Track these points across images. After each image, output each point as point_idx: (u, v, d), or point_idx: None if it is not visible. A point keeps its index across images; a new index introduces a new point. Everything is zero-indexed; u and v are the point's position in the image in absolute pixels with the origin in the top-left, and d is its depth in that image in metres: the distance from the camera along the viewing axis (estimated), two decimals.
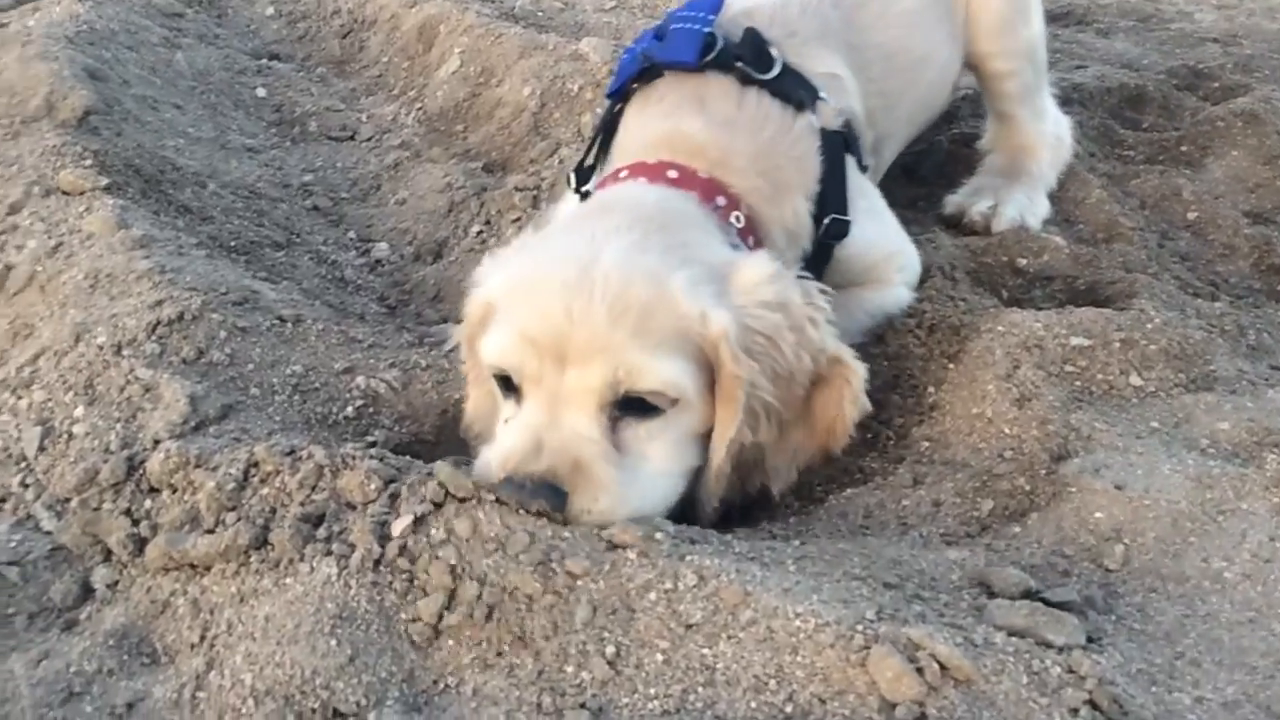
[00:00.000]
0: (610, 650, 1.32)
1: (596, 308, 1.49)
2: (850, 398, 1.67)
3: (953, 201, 2.50)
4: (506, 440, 1.56)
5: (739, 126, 1.88)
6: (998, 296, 2.19)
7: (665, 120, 1.91)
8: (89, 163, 2.32)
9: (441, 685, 1.34)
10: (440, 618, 1.37)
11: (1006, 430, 1.80)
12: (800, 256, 1.92)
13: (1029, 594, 1.44)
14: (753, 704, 1.27)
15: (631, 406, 1.55)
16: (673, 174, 1.80)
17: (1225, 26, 3.77)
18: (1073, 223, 2.52)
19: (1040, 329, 1.93)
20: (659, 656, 1.32)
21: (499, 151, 3.02)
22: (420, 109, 3.28)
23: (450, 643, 1.37)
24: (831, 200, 1.91)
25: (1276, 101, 2.86)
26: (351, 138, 3.22)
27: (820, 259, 1.93)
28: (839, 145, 1.93)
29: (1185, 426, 1.78)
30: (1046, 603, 1.42)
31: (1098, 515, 1.59)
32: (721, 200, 1.80)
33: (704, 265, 1.60)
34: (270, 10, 4.09)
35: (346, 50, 3.76)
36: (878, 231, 2.06)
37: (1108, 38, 3.69)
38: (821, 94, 1.96)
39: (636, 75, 1.99)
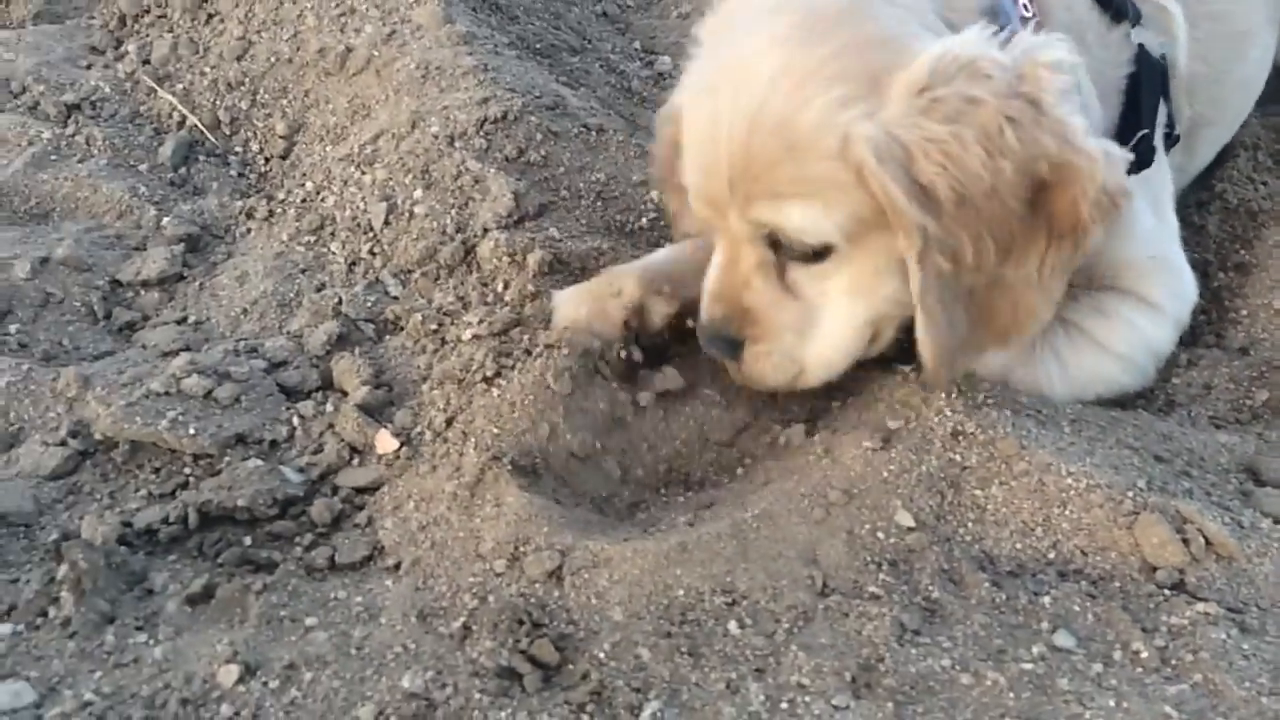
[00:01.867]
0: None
1: (721, 161, 1.40)
2: (1086, 201, 1.34)
3: None
4: (711, 272, 1.55)
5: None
6: None
7: None
8: None
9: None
10: None
11: None
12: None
13: None
14: (1018, 545, 1.39)
15: (796, 250, 1.45)
16: None
17: None
18: None
19: None
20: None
21: None
22: None
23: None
24: (1145, 115, 1.65)
25: None
26: None
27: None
28: (1158, 72, 1.67)
29: None
30: None
31: None
32: None
33: (863, 72, 1.35)
34: None
35: None
36: (1155, 226, 1.69)
37: None
38: (1142, 22, 1.71)
39: None
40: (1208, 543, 1.35)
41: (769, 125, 1.35)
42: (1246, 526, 1.39)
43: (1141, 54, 1.68)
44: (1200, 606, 1.28)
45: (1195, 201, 2.03)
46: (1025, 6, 1.53)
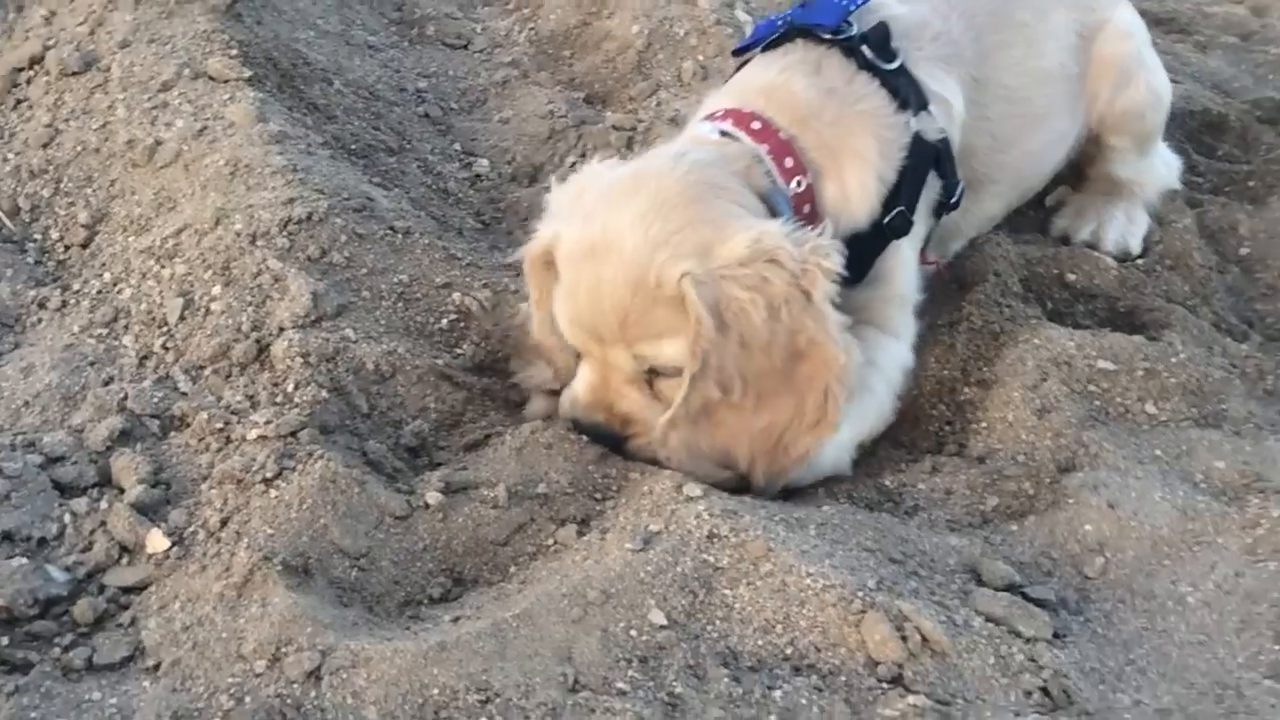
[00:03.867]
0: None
1: (609, 315, 1.78)
2: (824, 377, 1.76)
3: (1059, 226, 2.63)
4: (578, 388, 1.91)
5: (838, 95, 2.03)
6: (1042, 307, 2.36)
7: (780, 74, 2.06)
8: (234, 52, 2.53)
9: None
10: None
11: (1024, 436, 2.00)
12: (853, 230, 2.00)
13: (1012, 587, 1.67)
14: (759, 642, 1.51)
15: (666, 370, 1.84)
16: (756, 125, 1.96)
17: None
18: None
19: (1072, 348, 2.11)
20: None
21: (602, 84, 3.19)
22: (533, 28, 3.44)
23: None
24: (904, 197, 2.02)
25: None
26: (465, 47, 3.39)
27: (874, 249, 2.04)
28: (929, 155, 2.05)
29: (1185, 459, 1.97)
30: (1025, 597, 1.65)
31: (1087, 527, 1.80)
32: (789, 161, 1.95)
33: (696, 241, 1.76)
34: None
35: None
36: (910, 275, 2.12)
37: (1204, 53, 3.74)
38: (929, 108, 2.07)
39: (769, 39, 2.14)
40: (924, 639, 1.50)
41: (640, 284, 1.75)
42: (960, 624, 1.55)
43: (915, 141, 2.03)
44: (911, 699, 1.42)
45: (947, 322, 2.24)
46: (799, 182, 1.95)
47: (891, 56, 2.06)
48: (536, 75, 3.21)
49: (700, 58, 3.16)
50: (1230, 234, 2.73)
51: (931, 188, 2.09)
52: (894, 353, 2.06)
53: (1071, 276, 2.47)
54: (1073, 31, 2.43)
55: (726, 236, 1.76)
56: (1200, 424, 2.07)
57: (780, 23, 2.13)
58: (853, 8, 2.09)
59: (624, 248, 1.77)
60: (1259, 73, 3.64)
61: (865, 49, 2.04)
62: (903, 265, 2.10)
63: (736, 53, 2.25)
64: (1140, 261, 2.55)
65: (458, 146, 2.93)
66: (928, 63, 2.13)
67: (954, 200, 2.15)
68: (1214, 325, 2.39)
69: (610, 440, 1.88)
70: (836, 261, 1.80)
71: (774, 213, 1.89)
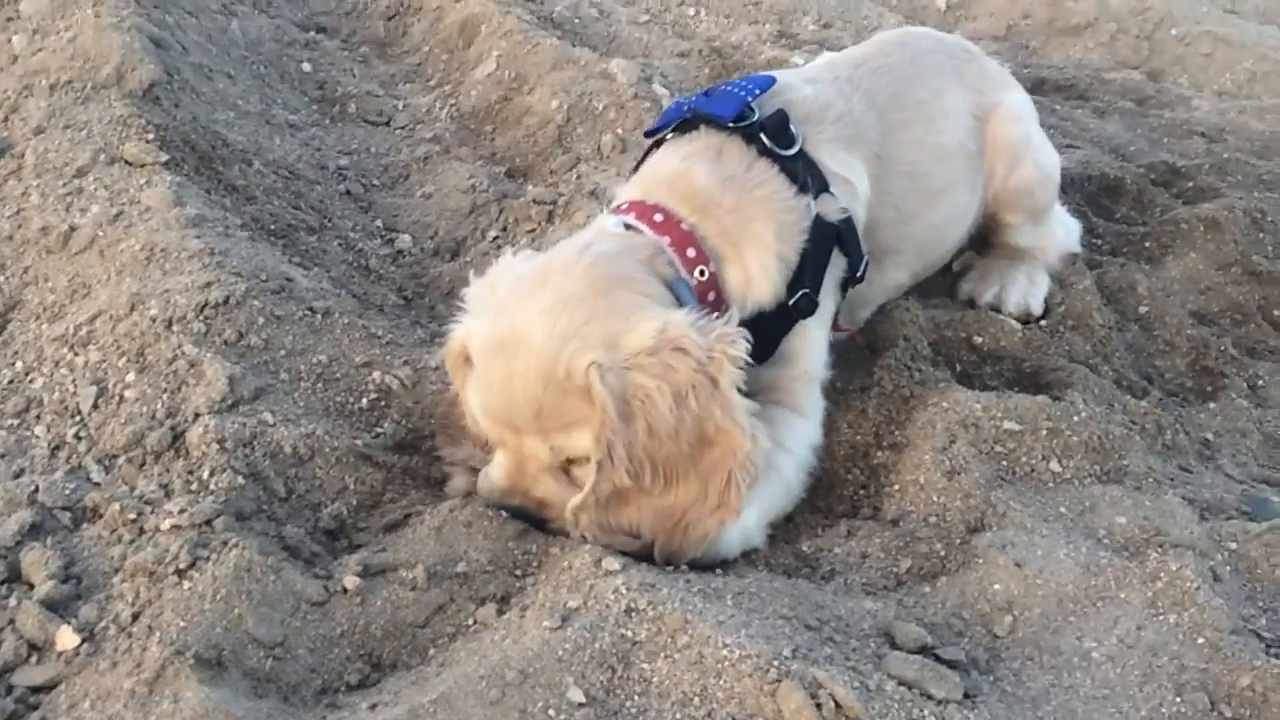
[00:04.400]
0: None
1: (523, 406, 1.82)
2: (730, 463, 1.81)
3: (965, 289, 2.74)
4: (494, 473, 1.94)
5: (737, 182, 2.09)
6: (951, 370, 2.44)
7: (681, 162, 2.13)
8: (151, 137, 2.55)
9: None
10: None
11: (934, 498, 2.06)
12: (757, 310, 2.07)
13: (924, 649, 1.71)
14: (678, 715, 1.53)
15: (579, 458, 1.87)
16: (658, 218, 2.03)
17: (1215, 121, 4.00)
18: None
19: (979, 410, 2.19)
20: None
21: (523, 158, 3.25)
22: (454, 105, 3.50)
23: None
24: (808, 278, 2.09)
25: (1239, 210, 3.09)
26: (387, 124, 3.45)
27: (781, 329, 2.10)
28: (830, 235, 2.12)
29: (1088, 515, 2.04)
30: (938, 659, 1.69)
31: (996, 586, 1.86)
32: (692, 252, 2.01)
33: (602, 333, 1.80)
34: None
35: (390, 33, 3.97)
36: (817, 354, 2.18)
37: (1102, 118, 3.92)
38: (831, 189, 2.15)
39: (677, 123, 2.22)
40: (838, 706, 1.53)
41: (550, 377, 1.79)
42: (873, 689, 1.58)
43: (815, 223, 2.09)
44: None
45: (859, 387, 2.31)
46: (701, 271, 2.00)
47: (790, 142, 2.14)
48: (458, 150, 3.27)
49: (619, 131, 3.24)
50: (1129, 293, 2.85)
51: (837, 265, 2.16)
52: (803, 432, 2.09)
53: (979, 339, 2.56)
54: (968, 113, 2.56)
55: (632, 326, 1.80)
56: (1102, 480, 2.15)
57: (686, 109, 2.20)
58: (750, 99, 2.17)
59: (533, 341, 1.80)
60: (1154, 137, 3.83)
61: (763, 136, 2.12)
62: (809, 344, 2.16)
63: (649, 134, 2.32)
64: (1044, 323, 2.66)
65: (379, 223, 2.97)
66: (829, 144, 2.22)
67: (859, 275, 2.22)
68: (1115, 383, 2.49)
69: (530, 519, 1.91)
70: (742, 348, 1.84)
71: (680, 302, 1.95)
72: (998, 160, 2.59)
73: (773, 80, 2.28)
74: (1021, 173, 2.60)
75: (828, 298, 2.16)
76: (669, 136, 2.24)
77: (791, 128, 2.16)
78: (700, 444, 1.81)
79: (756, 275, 2.04)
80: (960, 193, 2.56)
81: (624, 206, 2.09)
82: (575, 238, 2.07)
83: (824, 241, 2.11)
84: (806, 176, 2.13)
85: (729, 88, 2.25)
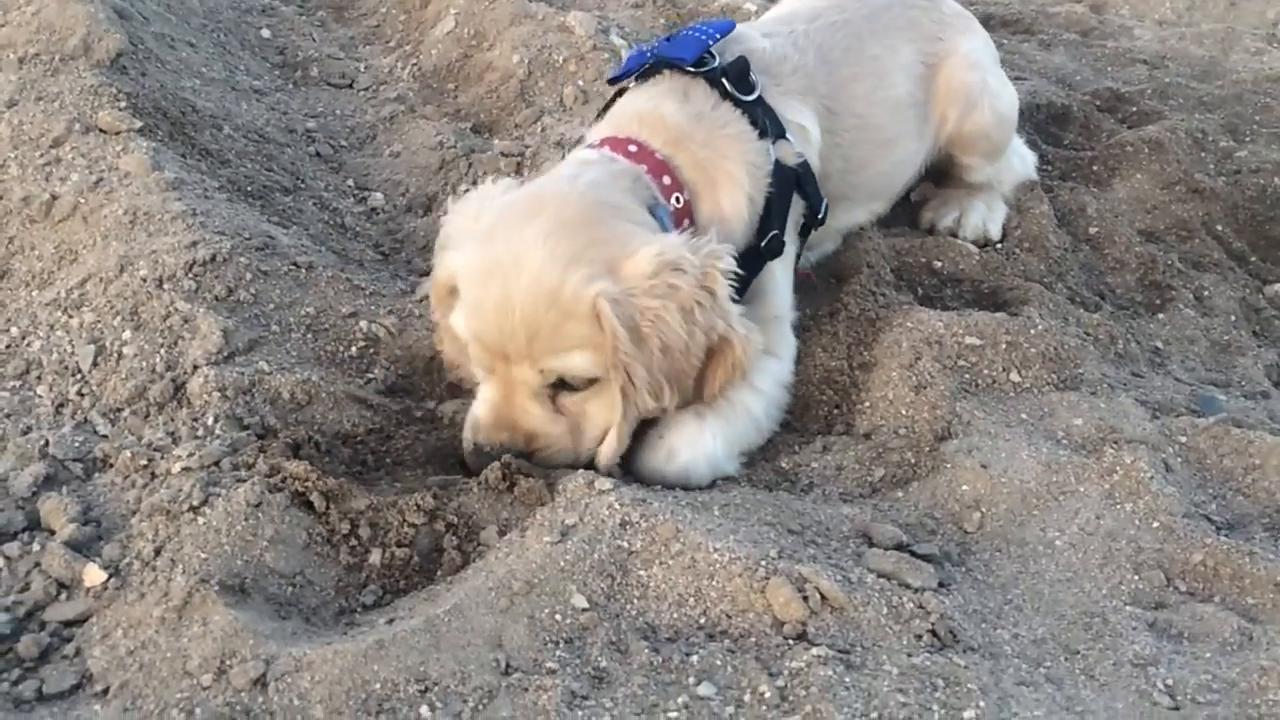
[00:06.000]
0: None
1: (518, 328, 1.87)
2: (729, 366, 1.96)
3: (925, 218, 2.85)
4: (478, 410, 1.98)
5: (706, 119, 2.18)
6: (914, 294, 2.56)
7: (649, 101, 2.21)
8: (123, 104, 2.59)
9: None
10: None
11: (903, 411, 2.17)
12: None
13: (900, 546, 1.83)
14: (675, 615, 1.64)
15: (564, 383, 1.95)
16: (632, 148, 2.11)
17: (1156, 49, 4.13)
18: None
19: (941, 327, 2.30)
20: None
21: (487, 114, 3.31)
22: (415, 64, 3.55)
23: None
24: (775, 220, 2.19)
25: (1181, 132, 3.22)
26: (350, 85, 3.49)
27: (751, 270, 2.17)
28: (790, 179, 2.21)
29: (1047, 420, 2.16)
30: (913, 554, 1.81)
31: (964, 488, 1.98)
32: (667, 179, 2.10)
33: (603, 259, 1.87)
34: None
35: None
36: (785, 295, 2.29)
37: (1048, 50, 4.03)
38: (787, 135, 2.24)
39: (640, 70, 2.29)
40: (823, 597, 1.64)
41: (548, 300, 1.85)
42: (855, 581, 1.70)
43: (776, 168, 2.18)
44: (815, 650, 1.56)
45: (828, 312, 2.41)
46: (677, 198, 2.09)
47: (750, 89, 2.22)
48: (423, 109, 3.32)
49: (580, 82, 3.30)
50: (1079, 215, 2.97)
51: (796, 208, 2.26)
52: (774, 371, 2.18)
53: (938, 263, 2.67)
54: (919, 62, 2.64)
55: (631, 252, 1.89)
56: (1060, 387, 2.27)
57: (648, 55, 2.28)
58: (710, 43, 2.25)
59: (532, 266, 1.85)
60: (1098, 66, 3.94)
61: (725, 81, 2.20)
62: (778, 285, 2.26)
63: (612, 81, 2.39)
64: (1000, 245, 2.77)
65: (351, 182, 3.02)
66: (785, 96, 2.31)
67: (820, 218, 2.32)
68: (1069, 299, 2.62)
69: (516, 455, 1.94)
70: (730, 263, 1.95)
71: (662, 227, 2.03)
72: (951, 106, 2.67)
73: (732, 25, 2.36)
74: (976, 118, 2.69)
75: (791, 241, 2.26)
76: (631, 84, 2.31)
77: (751, 76, 2.24)
78: (708, 355, 1.93)
79: (729, 211, 2.13)
80: (908, 142, 2.65)
81: (596, 143, 2.17)
82: (559, 168, 2.14)
83: (785, 185, 2.20)
84: (765, 121, 2.22)
85: (689, 32, 2.32)
